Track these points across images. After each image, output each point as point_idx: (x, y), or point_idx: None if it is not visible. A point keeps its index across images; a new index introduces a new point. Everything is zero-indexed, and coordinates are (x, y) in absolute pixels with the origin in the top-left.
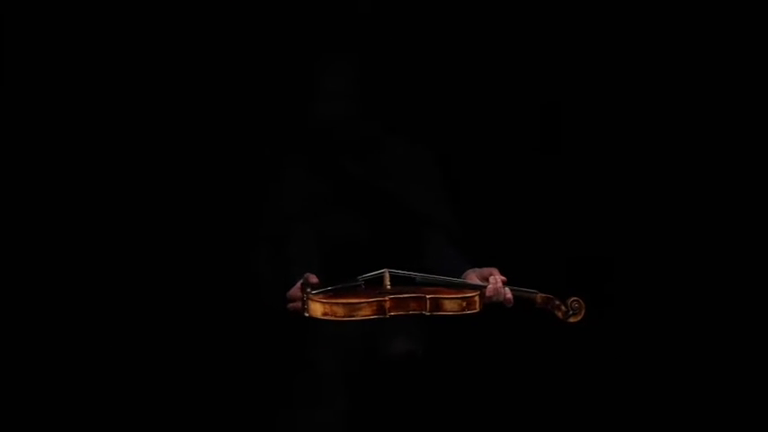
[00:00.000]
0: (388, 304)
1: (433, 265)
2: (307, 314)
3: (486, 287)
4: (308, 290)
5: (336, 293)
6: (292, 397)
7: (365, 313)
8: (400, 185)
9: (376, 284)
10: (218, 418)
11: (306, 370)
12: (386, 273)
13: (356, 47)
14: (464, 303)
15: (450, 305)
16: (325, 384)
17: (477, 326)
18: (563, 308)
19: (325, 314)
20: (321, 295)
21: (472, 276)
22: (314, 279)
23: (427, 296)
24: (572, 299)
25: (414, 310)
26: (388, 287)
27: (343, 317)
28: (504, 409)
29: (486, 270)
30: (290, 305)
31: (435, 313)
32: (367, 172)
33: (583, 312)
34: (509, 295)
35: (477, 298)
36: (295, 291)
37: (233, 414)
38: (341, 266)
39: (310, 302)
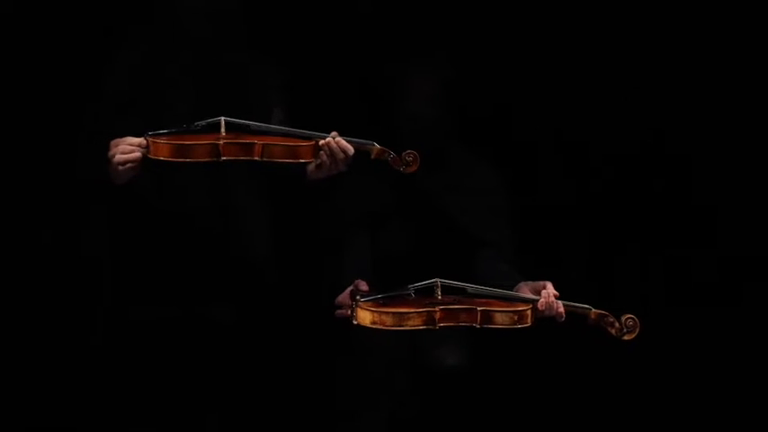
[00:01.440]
0: (438, 315)
1: (484, 278)
2: (355, 321)
3: (538, 301)
4: (358, 297)
5: (386, 302)
6: (336, 405)
7: (414, 323)
8: (460, 202)
9: (427, 294)
10: (262, 424)
11: (351, 379)
12: (437, 282)
13: (446, 51)
14: (515, 317)
15: (502, 318)
16: (370, 394)
17: (527, 337)
18: (617, 325)
19: (373, 323)
20: (370, 303)
21: (525, 289)
22: (364, 286)
23: (478, 308)
24: (626, 316)
25: (464, 322)
26: (439, 297)
27: (392, 326)
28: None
29: (539, 283)
30: (338, 312)
31: (486, 326)
32: (432, 184)
33: (637, 330)
34: (561, 309)
35: (528, 312)
36: (344, 297)
37: (276, 422)
38: (394, 277)
39: (359, 310)
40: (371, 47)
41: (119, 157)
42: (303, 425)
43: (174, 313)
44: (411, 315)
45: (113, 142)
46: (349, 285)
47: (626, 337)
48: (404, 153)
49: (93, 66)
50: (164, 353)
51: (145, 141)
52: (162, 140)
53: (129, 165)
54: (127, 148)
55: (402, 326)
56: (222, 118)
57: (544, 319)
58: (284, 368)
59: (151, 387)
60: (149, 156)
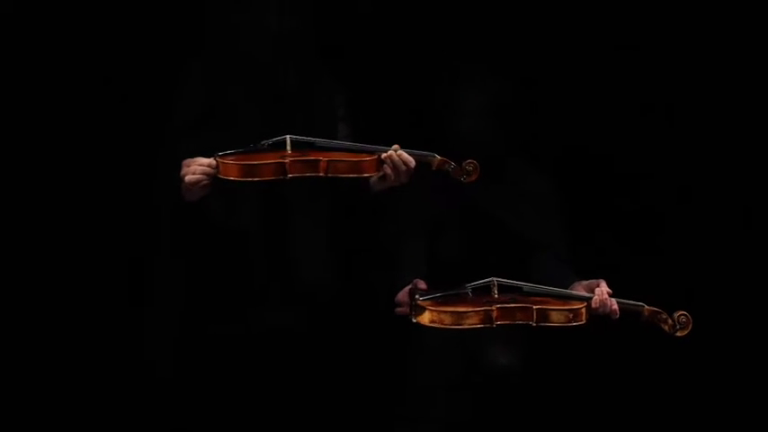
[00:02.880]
0: (495, 313)
1: (541, 280)
2: (414, 320)
3: (592, 298)
4: (417, 296)
5: (444, 300)
6: (392, 407)
7: (472, 322)
8: (515, 208)
9: (483, 293)
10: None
11: (406, 379)
12: (494, 281)
13: (498, 68)
14: (570, 315)
15: (557, 316)
16: (425, 394)
17: (579, 337)
18: (670, 321)
19: (432, 321)
20: (429, 302)
21: (579, 288)
22: (422, 285)
23: (534, 307)
24: (679, 313)
25: (520, 320)
26: (496, 296)
27: (451, 325)
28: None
29: (593, 282)
30: (398, 309)
31: (542, 324)
32: (487, 194)
33: (690, 326)
34: (615, 307)
35: (583, 310)
36: (403, 295)
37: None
38: (450, 280)
39: (418, 308)
40: (428, 62)
41: (190, 177)
42: (361, 427)
43: (235, 328)
44: (469, 314)
45: (185, 162)
46: (406, 285)
47: (679, 334)
48: (464, 163)
49: (167, 87)
50: (227, 366)
51: (214, 161)
52: (230, 161)
53: (200, 184)
54: (198, 169)
55: (460, 324)
56: (288, 136)
57: (598, 318)
58: (342, 372)
59: (217, 399)
60: (219, 175)
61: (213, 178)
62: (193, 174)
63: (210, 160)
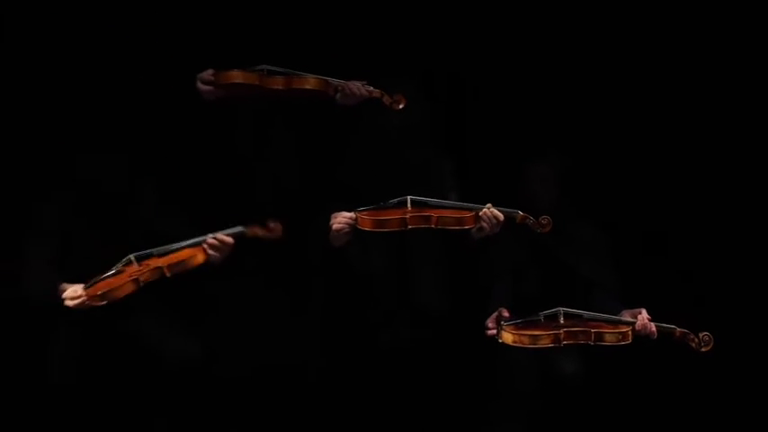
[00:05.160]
0: (562, 336)
1: (595, 308)
2: (500, 340)
3: (635, 323)
4: (502, 322)
5: (522, 326)
6: (480, 411)
7: (545, 342)
8: (576, 255)
9: (552, 320)
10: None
11: (485, 389)
12: (560, 310)
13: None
14: (620, 336)
15: (610, 337)
16: (509, 400)
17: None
18: (696, 340)
19: (514, 342)
20: (512, 327)
21: (625, 314)
22: (506, 313)
23: (592, 330)
24: (703, 333)
25: (582, 341)
26: (562, 322)
27: (528, 345)
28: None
29: (636, 310)
30: (488, 332)
31: (598, 343)
32: (554, 243)
33: (712, 344)
34: (653, 329)
35: (629, 332)
36: (492, 320)
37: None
38: (529, 308)
39: (503, 332)
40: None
41: (336, 226)
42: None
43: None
44: (542, 336)
45: (333, 215)
46: (495, 312)
47: (703, 350)
48: (540, 218)
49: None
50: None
51: (354, 215)
52: (366, 216)
53: (343, 231)
54: (342, 219)
55: (536, 344)
56: (408, 197)
57: (640, 337)
58: (445, 380)
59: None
60: (357, 226)
61: (353, 228)
62: (339, 223)
63: (352, 214)
